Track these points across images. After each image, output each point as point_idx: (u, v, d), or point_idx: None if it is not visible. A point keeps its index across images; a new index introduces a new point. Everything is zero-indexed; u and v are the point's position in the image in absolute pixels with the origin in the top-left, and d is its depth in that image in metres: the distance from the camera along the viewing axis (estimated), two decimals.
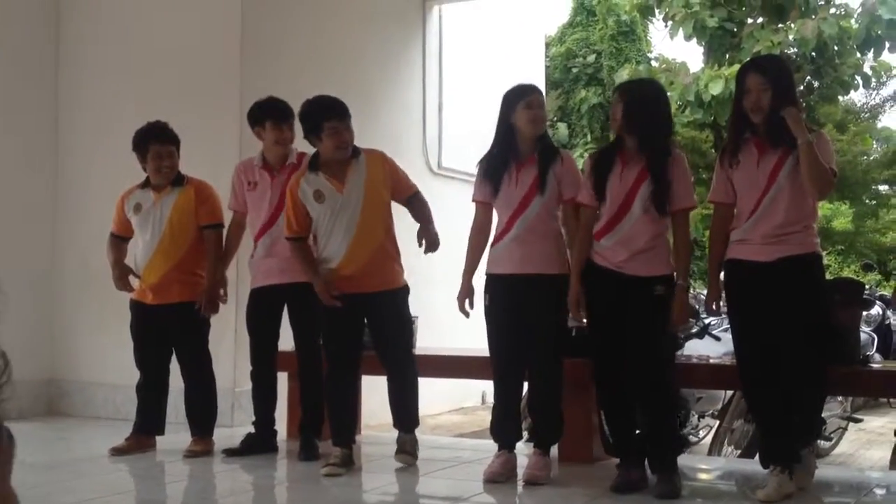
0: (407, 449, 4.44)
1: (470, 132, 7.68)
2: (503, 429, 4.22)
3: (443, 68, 8.28)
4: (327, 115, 4.30)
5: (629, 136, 3.93)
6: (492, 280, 4.20)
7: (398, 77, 7.71)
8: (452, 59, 8.36)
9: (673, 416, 4.07)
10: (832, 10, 11.63)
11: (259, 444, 4.73)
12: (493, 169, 4.18)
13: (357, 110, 4.53)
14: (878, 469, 5.54)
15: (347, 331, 4.43)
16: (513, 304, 4.12)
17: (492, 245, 4.24)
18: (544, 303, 4.10)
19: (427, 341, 5.20)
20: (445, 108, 8.25)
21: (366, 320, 4.48)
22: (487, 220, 4.27)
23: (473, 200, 4.29)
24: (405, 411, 4.48)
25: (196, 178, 4.90)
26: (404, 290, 4.50)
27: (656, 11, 12.54)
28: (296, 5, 6.51)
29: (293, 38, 6.46)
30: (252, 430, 4.82)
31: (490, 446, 4.34)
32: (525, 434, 4.59)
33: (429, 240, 4.47)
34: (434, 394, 4.69)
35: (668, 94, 11.98)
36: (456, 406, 7.65)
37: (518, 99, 4.12)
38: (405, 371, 4.47)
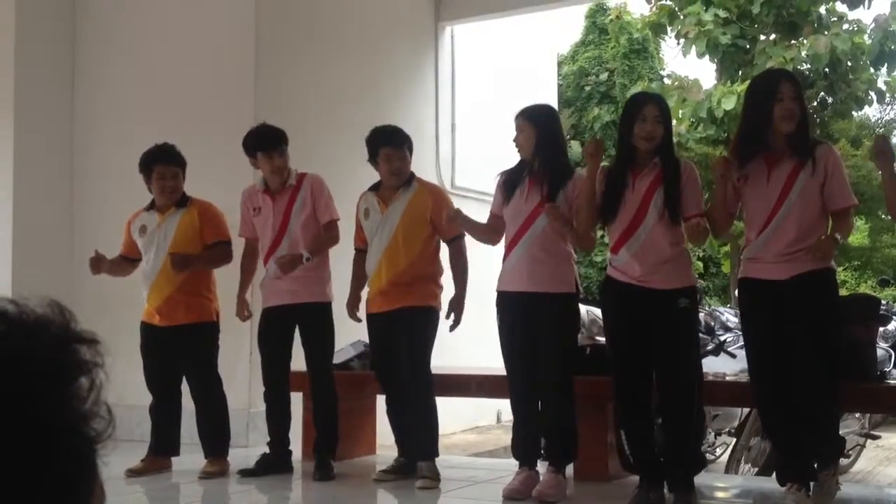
0: (426, 474, 4.44)
1: (483, 151, 7.71)
2: (523, 446, 4.22)
3: (455, 88, 8.32)
4: (383, 142, 4.59)
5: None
6: (502, 298, 4.22)
7: (411, 97, 7.75)
8: (465, 79, 8.39)
9: (696, 434, 4.04)
10: (845, 26, 11.60)
11: (274, 464, 4.74)
12: (507, 183, 4.26)
13: (368, 129, 4.61)
14: (894, 486, 5.50)
15: (382, 350, 4.61)
16: (523, 322, 4.12)
17: (502, 261, 4.26)
18: (554, 321, 4.10)
19: (441, 360, 5.20)
20: (458, 127, 8.27)
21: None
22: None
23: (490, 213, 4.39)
24: (423, 437, 4.50)
25: (200, 199, 4.93)
26: (429, 311, 4.54)
27: (668, 29, 12.54)
28: (310, 27, 6.57)
29: (307, 59, 6.51)
30: (267, 450, 4.82)
31: (506, 465, 4.34)
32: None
33: (457, 315, 4.57)
34: (448, 413, 4.68)
35: (681, 110, 12.11)
36: (470, 425, 7.63)
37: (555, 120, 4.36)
38: (422, 395, 4.50)
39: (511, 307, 4.17)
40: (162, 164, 4.84)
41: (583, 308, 6.90)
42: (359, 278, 4.72)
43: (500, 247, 4.34)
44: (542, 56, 10.06)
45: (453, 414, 5.61)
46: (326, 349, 4.72)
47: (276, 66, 6.27)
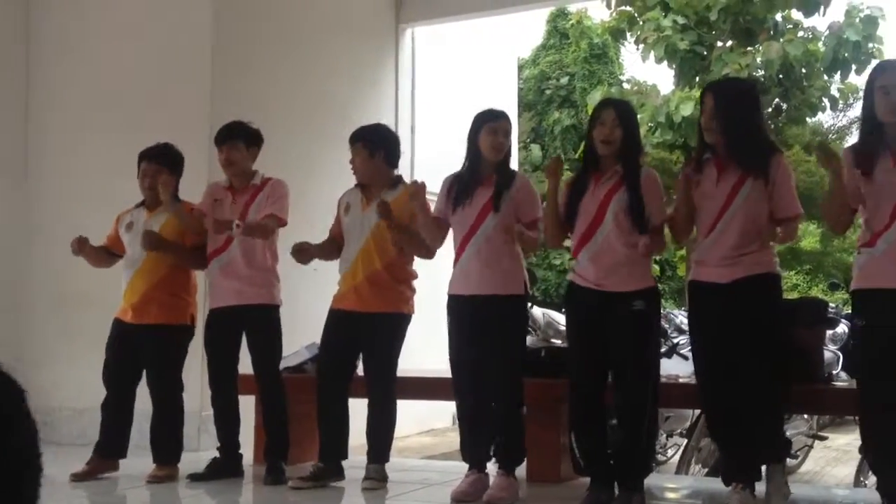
0: (372, 475, 4.43)
1: (443, 153, 7.72)
2: (471, 448, 4.23)
3: (415, 90, 8.33)
4: (351, 141, 4.59)
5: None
6: (452, 301, 4.24)
7: (370, 98, 7.75)
8: (425, 81, 8.41)
9: (649, 437, 4.08)
10: (800, 34, 11.78)
11: (224, 468, 4.70)
12: (456, 188, 4.25)
13: (328, 130, 4.60)
14: (843, 486, 5.59)
15: (339, 346, 4.50)
16: (473, 324, 4.14)
17: (453, 264, 4.27)
18: (503, 323, 4.13)
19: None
20: (418, 129, 8.28)
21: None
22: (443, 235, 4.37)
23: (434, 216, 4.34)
24: (376, 441, 4.48)
25: (189, 201, 4.88)
26: (400, 317, 4.52)
27: (628, 35, 12.65)
28: (267, 26, 6.54)
29: (265, 59, 6.48)
30: (217, 454, 4.78)
31: (458, 468, 4.34)
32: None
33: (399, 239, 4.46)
34: (403, 416, 4.68)
35: (640, 115, 12.22)
36: (426, 428, 7.62)
37: (483, 123, 4.19)
38: (381, 400, 4.48)
39: (461, 310, 4.19)
40: (146, 161, 4.82)
41: (539, 311, 6.98)
42: (322, 247, 4.66)
43: (452, 250, 4.34)
44: (503, 59, 10.11)
45: (408, 416, 5.60)
46: (274, 352, 4.70)
47: (233, 65, 6.23)
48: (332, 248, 4.69)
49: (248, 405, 4.90)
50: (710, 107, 3.79)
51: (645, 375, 3.86)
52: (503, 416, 4.17)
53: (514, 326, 4.19)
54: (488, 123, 4.19)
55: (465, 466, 4.24)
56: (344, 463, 4.52)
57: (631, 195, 3.85)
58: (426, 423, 7.71)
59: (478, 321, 4.13)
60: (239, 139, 4.71)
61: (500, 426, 4.19)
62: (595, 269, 3.91)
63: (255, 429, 5.01)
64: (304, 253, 4.58)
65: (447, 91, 8.56)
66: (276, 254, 4.77)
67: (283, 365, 4.86)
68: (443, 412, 7.72)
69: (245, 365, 4.76)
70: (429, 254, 4.49)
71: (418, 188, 4.29)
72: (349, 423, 4.55)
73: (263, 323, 4.65)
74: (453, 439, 4.43)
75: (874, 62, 11.04)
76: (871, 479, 3.71)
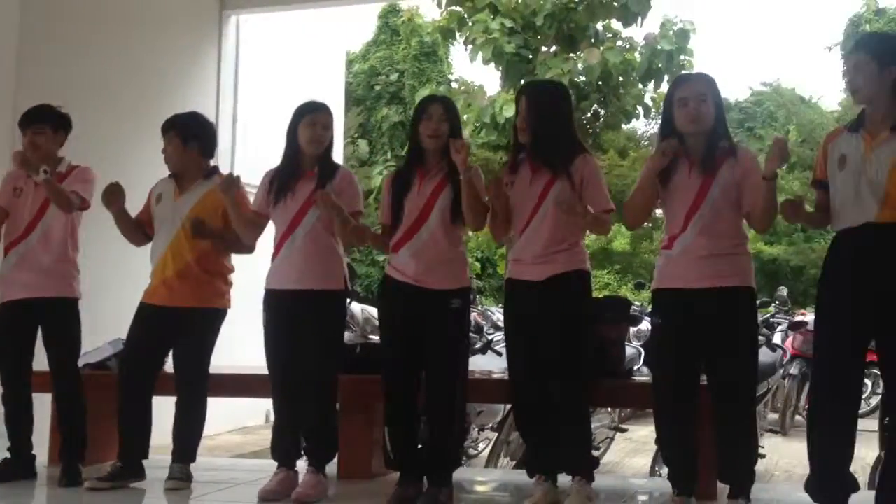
0: (176, 475, 4.30)
1: (267, 146, 7.57)
2: (282, 446, 4.18)
3: (239, 79, 8.14)
4: (164, 130, 4.44)
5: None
6: (269, 296, 4.17)
7: (191, 86, 7.52)
8: (250, 71, 8.23)
9: (458, 431, 4.14)
10: (619, 43, 12.28)
11: (15, 470, 4.43)
12: (276, 182, 4.17)
13: (145, 118, 4.43)
14: (640, 476, 5.89)
15: (145, 342, 4.34)
16: (290, 320, 4.09)
17: (271, 259, 4.20)
18: (320, 319, 4.09)
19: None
20: (241, 119, 8.10)
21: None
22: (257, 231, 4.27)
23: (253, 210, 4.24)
24: (182, 439, 4.35)
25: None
26: (214, 312, 4.38)
27: (458, 35, 12.82)
28: (84, 10, 6.21)
29: (74, 42, 6.17)
30: (8, 455, 4.51)
31: (268, 466, 4.28)
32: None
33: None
34: (215, 413, 4.55)
35: (466, 115, 12.41)
36: (238, 426, 7.46)
37: (302, 115, 4.14)
38: (189, 398, 4.35)
39: (278, 305, 4.13)
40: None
41: (357, 306, 6.97)
42: (127, 217, 4.44)
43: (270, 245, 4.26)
44: (332, 53, 10.04)
45: (220, 414, 5.47)
46: (71, 348, 4.45)
47: (41, 50, 5.89)
48: (132, 225, 4.46)
49: (43, 403, 4.63)
50: (523, 108, 3.89)
51: (454, 374, 3.92)
52: (315, 413, 4.13)
53: (331, 322, 4.16)
54: (307, 116, 4.14)
55: (275, 465, 4.18)
56: (147, 463, 4.36)
57: (456, 192, 3.90)
58: (239, 421, 7.54)
59: (295, 316, 4.08)
60: (45, 123, 4.45)
61: (311, 423, 4.15)
62: (416, 265, 3.93)
63: (51, 428, 4.75)
64: (114, 195, 4.33)
65: (272, 82, 8.41)
66: (78, 244, 4.53)
67: (83, 361, 4.63)
68: (256, 409, 7.58)
69: (40, 361, 4.50)
70: (246, 249, 4.38)
71: (231, 182, 4.18)
72: (152, 422, 4.39)
73: (60, 317, 4.40)
74: (266, 437, 4.35)
75: (685, 73, 11.69)
76: (665, 469, 3.90)
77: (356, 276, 7.64)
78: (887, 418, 4.02)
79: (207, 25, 7.81)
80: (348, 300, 6.44)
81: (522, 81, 12.41)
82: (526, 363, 3.89)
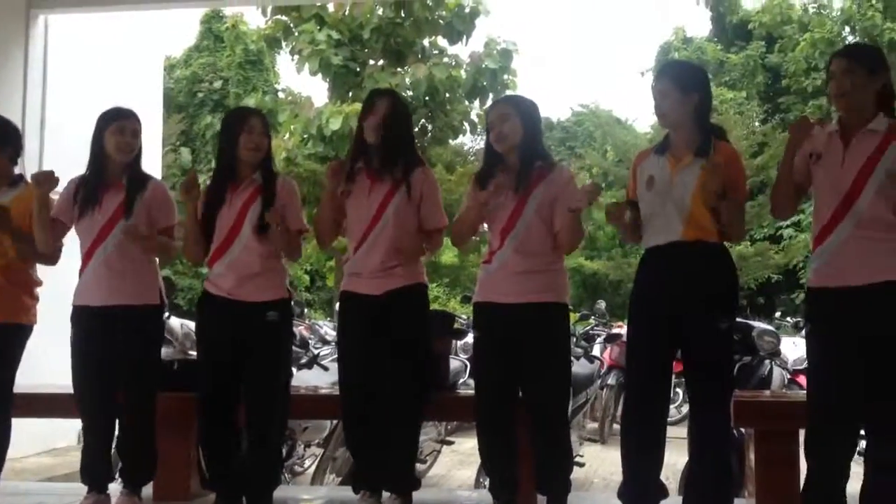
0: None
1: (79, 152, 7.19)
2: (92, 468, 3.98)
3: (48, 82, 7.67)
4: None
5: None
6: (77, 312, 3.94)
7: None
8: (61, 73, 7.77)
9: (278, 448, 4.05)
10: (445, 59, 12.51)
11: None
12: (81, 192, 3.96)
13: None
14: (465, 488, 5.95)
15: None
16: (100, 337, 3.88)
17: (79, 273, 3.97)
18: (134, 336, 3.92)
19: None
20: (49, 124, 7.63)
21: None
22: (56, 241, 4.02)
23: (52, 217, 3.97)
24: None
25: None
26: (18, 329, 4.02)
27: (283, 44, 12.68)
28: None
29: None
30: None
31: (78, 489, 4.04)
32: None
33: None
34: (21, 434, 4.24)
35: (292, 126, 12.28)
36: (47, 447, 7.03)
37: (108, 122, 3.95)
38: None
39: (89, 321, 3.91)
40: None
41: (177, 321, 6.69)
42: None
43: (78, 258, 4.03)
44: (149, 57, 9.64)
45: (27, 435, 5.11)
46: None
47: None
48: None
49: None
50: (381, 114, 3.83)
51: (272, 388, 3.84)
52: (130, 432, 3.95)
53: (145, 339, 3.98)
54: (114, 123, 3.95)
55: (85, 488, 3.95)
56: None
57: (268, 204, 3.82)
58: (48, 442, 7.09)
59: (106, 334, 3.88)
60: None
61: (126, 443, 3.97)
62: (230, 278, 3.84)
63: None
64: None
65: (86, 86, 7.97)
66: None
67: None
68: (67, 430, 7.15)
69: None
70: (47, 259, 4.09)
71: (45, 177, 3.84)
72: None
73: None
74: (77, 459, 4.10)
75: (508, 91, 12.04)
76: (488, 481, 3.95)
77: (175, 288, 7.35)
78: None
79: (13, 25, 7.33)
80: (167, 314, 6.20)
81: (350, 94, 12.44)
82: (360, 378, 3.84)
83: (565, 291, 3.79)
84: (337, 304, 4.23)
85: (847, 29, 23.34)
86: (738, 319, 5.90)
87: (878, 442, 3.30)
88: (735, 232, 3.59)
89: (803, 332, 4.08)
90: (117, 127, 3.94)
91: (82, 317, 3.93)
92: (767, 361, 5.68)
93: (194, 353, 6.37)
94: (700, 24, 32.20)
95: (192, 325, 6.95)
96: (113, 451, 4.09)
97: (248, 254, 3.83)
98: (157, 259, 4.11)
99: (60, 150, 7.53)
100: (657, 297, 3.55)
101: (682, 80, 3.56)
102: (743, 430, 4.37)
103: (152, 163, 7.90)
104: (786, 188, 3.53)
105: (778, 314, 10.03)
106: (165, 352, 5.98)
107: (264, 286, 3.86)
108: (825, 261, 3.36)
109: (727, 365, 3.57)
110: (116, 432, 4.04)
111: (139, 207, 3.93)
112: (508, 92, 12.21)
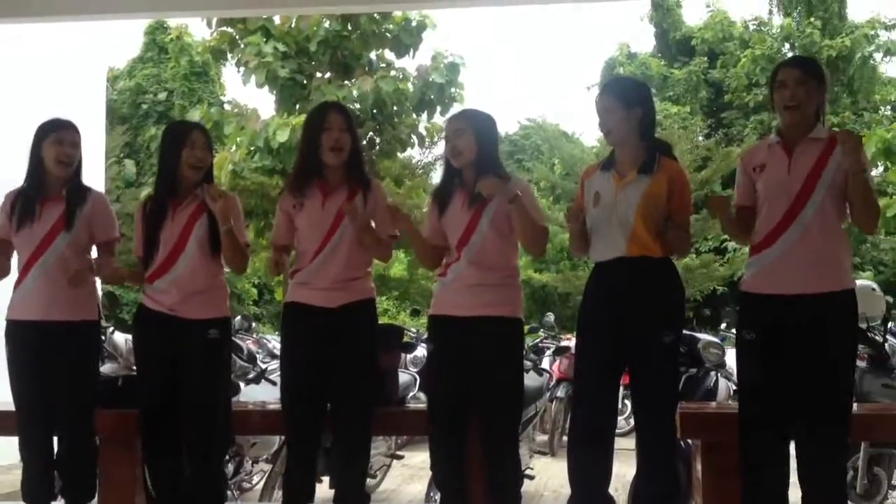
0: None
1: (17, 166, 7.04)
2: (31, 487, 3.92)
3: None
4: None
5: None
6: (12, 327, 3.88)
7: None
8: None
9: (220, 464, 3.99)
10: (392, 73, 12.49)
11: None
12: (18, 205, 3.90)
13: None
14: (416, 502, 5.92)
15: None
16: (36, 353, 3.83)
17: (14, 287, 3.89)
18: (71, 351, 3.86)
19: None
20: None
21: None
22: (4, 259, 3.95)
23: None
24: None
25: None
26: None
27: (229, 56, 12.56)
28: None
29: None
30: None
31: None
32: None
33: None
34: None
35: (239, 139, 12.15)
36: None
37: (46, 134, 3.91)
38: None
39: (24, 337, 3.85)
40: None
41: (121, 336, 6.57)
42: None
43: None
44: (92, 68, 9.49)
45: None
46: None
47: None
48: None
49: None
50: (341, 123, 3.79)
51: (212, 405, 3.80)
52: (70, 450, 3.90)
53: (83, 354, 3.92)
54: (52, 134, 3.91)
55: None
56: None
57: (212, 220, 3.78)
58: None
59: (42, 349, 3.83)
60: None
61: (66, 461, 3.91)
62: (173, 295, 3.82)
63: None
64: None
65: (25, 98, 7.81)
66: None
67: None
68: (6, 447, 6.97)
69: None
70: None
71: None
72: None
73: None
74: (17, 478, 4.02)
75: (456, 105, 12.08)
76: (439, 495, 3.93)
77: (119, 303, 7.23)
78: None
79: None
80: (111, 329, 6.09)
81: (298, 106, 12.36)
82: (306, 392, 3.79)
83: (520, 306, 3.79)
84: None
85: (787, 46, 23.88)
86: (684, 331, 6.00)
87: (807, 460, 3.36)
88: (680, 250, 3.65)
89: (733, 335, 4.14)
90: (56, 138, 3.88)
91: (17, 332, 3.86)
92: (713, 373, 5.75)
93: None
94: (644, 40, 32.75)
95: None
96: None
97: (192, 270, 3.80)
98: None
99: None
100: (604, 311, 3.58)
101: (624, 95, 3.60)
102: (690, 441, 4.41)
103: (95, 175, 7.76)
104: (736, 229, 3.64)
105: (723, 326, 10.16)
106: (110, 367, 5.88)
107: (207, 303, 3.84)
108: (767, 266, 3.41)
109: (672, 379, 3.64)
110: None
111: (80, 221, 3.86)
112: (456, 105, 12.25)
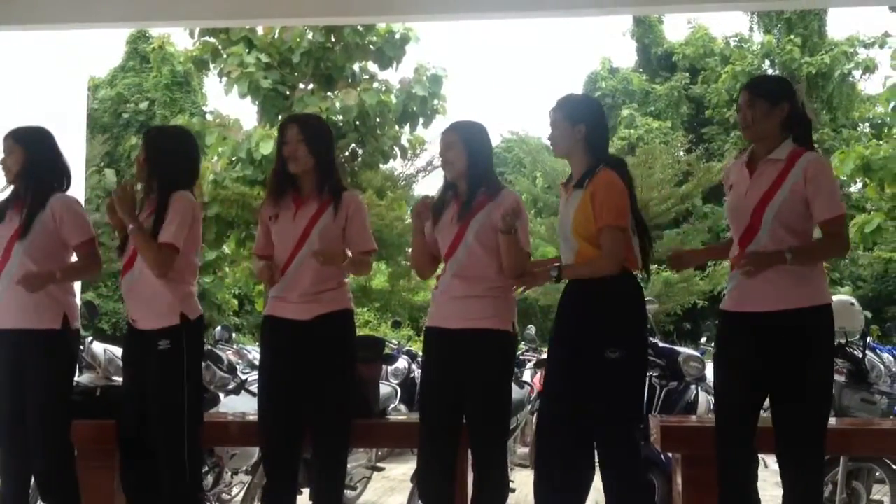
0: None
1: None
2: (5, 499, 3.86)
3: None
4: None
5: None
6: None
7: None
8: None
9: (192, 475, 3.94)
10: (375, 85, 12.51)
11: None
12: None
13: None
14: None
15: None
16: (6, 364, 3.83)
17: None
18: (39, 362, 3.83)
19: None
20: None
21: None
22: None
23: None
24: None
25: None
26: None
27: (212, 66, 12.54)
28: None
29: None
30: None
31: None
32: None
33: None
34: None
35: (221, 149, 12.12)
36: None
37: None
38: None
39: None
40: None
41: (100, 346, 6.51)
42: None
43: None
44: (73, 77, 9.43)
45: None
46: None
47: None
48: None
49: None
50: (296, 135, 3.79)
51: (175, 419, 3.74)
52: (46, 463, 3.84)
53: (50, 364, 3.87)
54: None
55: None
56: None
57: (157, 226, 3.77)
58: None
59: (12, 360, 3.81)
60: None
61: (44, 474, 3.86)
62: (131, 305, 3.86)
63: None
64: None
65: (3, 104, 7.76)
66: None
67: None
68: None
69: None
70: None
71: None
72: None
73: None
74: None
75: (438, 117, 12.11)
76: None
77: (98, 312, 7.17)
78: None
79: None
80: (90, 339, 6.03)
81: (280, 117, 12.35)
82: (283, 407, 3.77)
83: (509, 318, 3.76)
84: None
85: (767, 62, 24.10)
86: (664, 345, 6.01)
87: (783, 476, 3.38)
88: (602, 266, 3.49)
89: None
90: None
91: None
92: (693, 386, 5.77)
93: (118, 378, 6.23)
94: (626, 55, 32.98)
95: (115, 350, 6.79)
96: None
97: (145, 278, 3.78)
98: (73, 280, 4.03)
99: None
100: (559, 327, 3.63)
101: (570, 111, 3.61)
102: (670, 454, 4.42)
103: (76, 184, 7.71)
104: (719, 255, 4.01)
105: (703, 339, 10.19)
106: (88, 378, 5.82)
107: (159, 313, 3.78)
108: (734, 286, 3.47)
109: (621, 396, 3.49)
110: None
111: (39, 227, 3.86)
112: (439, 117, 12.30)
